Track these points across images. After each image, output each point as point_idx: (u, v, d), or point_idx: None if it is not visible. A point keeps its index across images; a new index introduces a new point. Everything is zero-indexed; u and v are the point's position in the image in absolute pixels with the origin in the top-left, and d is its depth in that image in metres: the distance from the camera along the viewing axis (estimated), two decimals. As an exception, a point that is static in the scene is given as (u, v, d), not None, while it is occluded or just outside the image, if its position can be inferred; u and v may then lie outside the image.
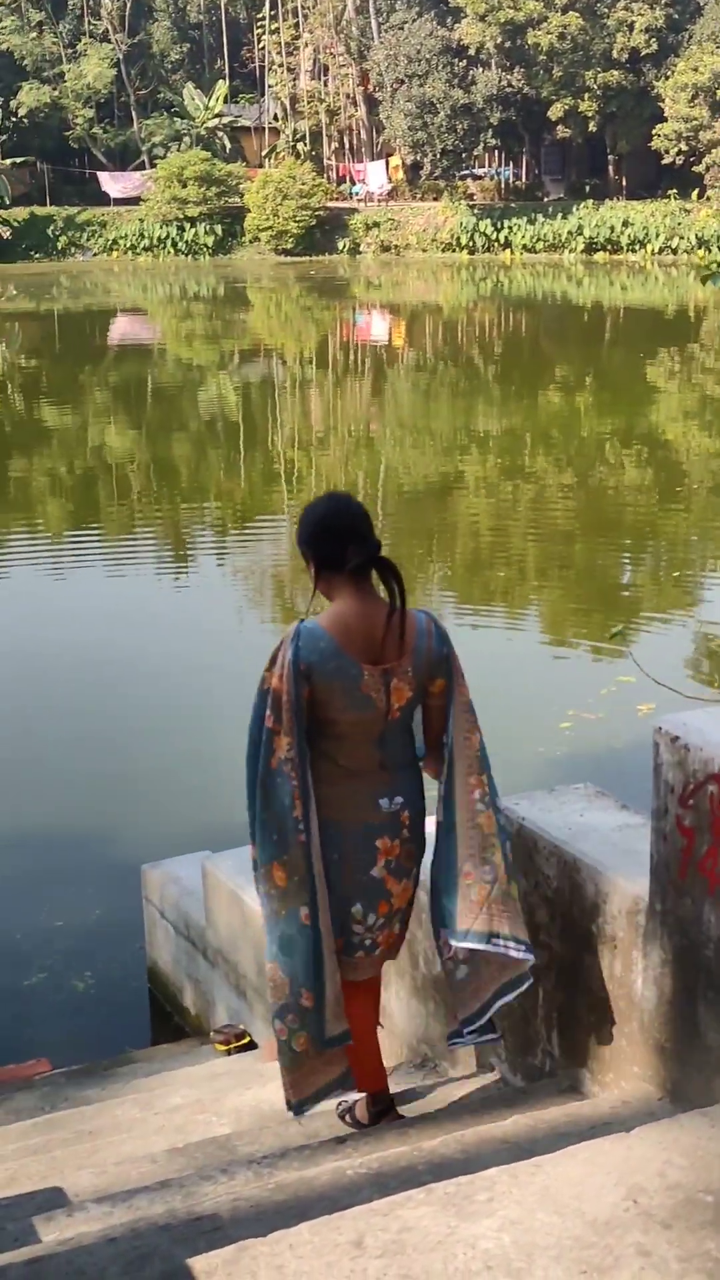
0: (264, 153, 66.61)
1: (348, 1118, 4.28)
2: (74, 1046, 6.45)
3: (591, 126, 60.62)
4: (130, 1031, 6.24)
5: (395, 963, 4.83)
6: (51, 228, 63.06)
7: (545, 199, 64.20)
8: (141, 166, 66.02)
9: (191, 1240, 3.23)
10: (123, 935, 7.25)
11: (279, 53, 66.98)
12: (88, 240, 63.01)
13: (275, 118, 68.14)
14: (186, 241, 61.51)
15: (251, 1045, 5.83)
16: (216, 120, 66.12)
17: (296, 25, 67.29)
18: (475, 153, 63.09)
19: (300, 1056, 3.91)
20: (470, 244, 60.28)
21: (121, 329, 44.82)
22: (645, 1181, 3.10)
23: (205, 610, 14.87)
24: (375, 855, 3.99)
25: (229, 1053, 5.81)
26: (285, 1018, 3.91)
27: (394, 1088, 4.57)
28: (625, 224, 58.94)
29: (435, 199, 62.81)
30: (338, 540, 3.94)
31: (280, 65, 67.04)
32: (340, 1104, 4.30)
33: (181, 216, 61.13)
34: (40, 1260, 3.22)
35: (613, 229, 58.81)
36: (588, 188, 63.65)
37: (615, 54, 58.69)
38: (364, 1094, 4.22)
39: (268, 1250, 2.95)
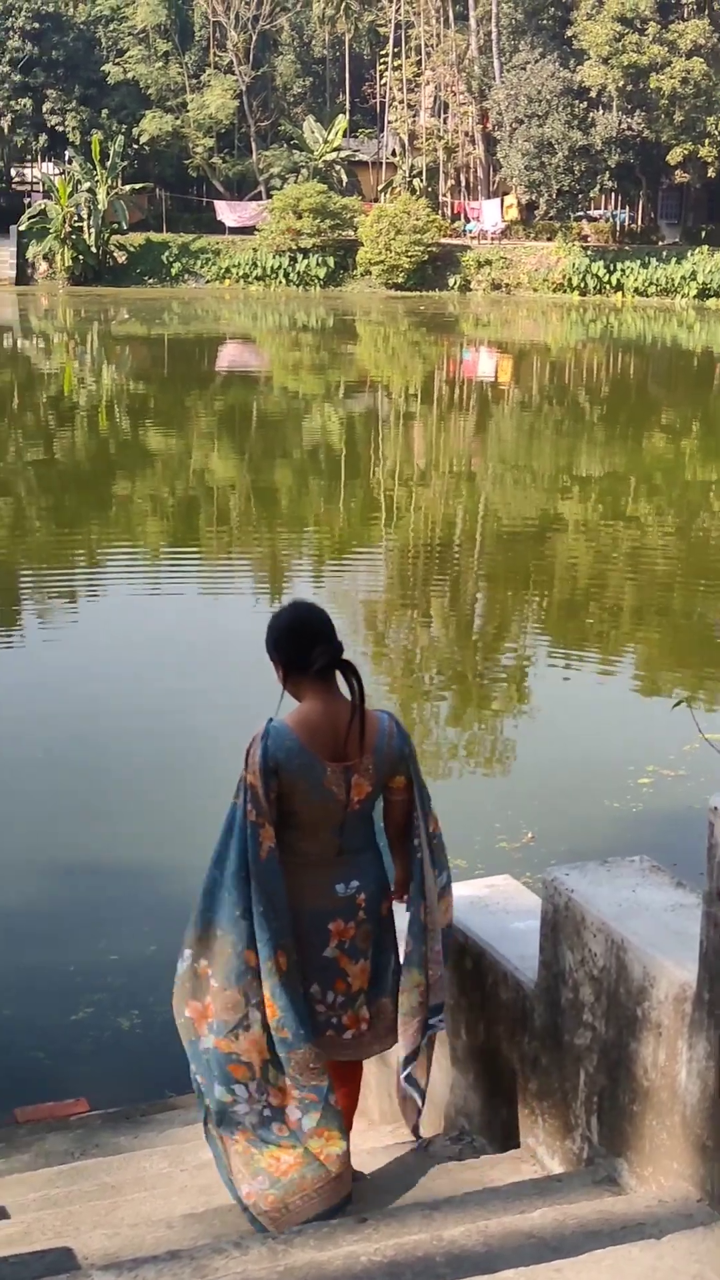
0: (380, 187, 66.91)
1: None
2: (115, 1087, 6.31)
3: (710, 172, 60.27)
4: (173, 1076, 6.08)
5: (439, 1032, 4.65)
6: (166, 254, 63.81)
7: (660, 243, 63.87)
8: (258, 197, 66.62)
9: (190, 1324, 3.07)
10: (172, 974, 7.10)
11: (400, 89, 67.34)
12: (201, 267, 63.63)
13: (393, 153, 68.50)
14: (298, 272, 61.92)
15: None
16: (334, 154, 66.54)
17: (419, 63, 67.61)
18: (591, 194, 63.03)
19: None
20: (582, 285, 60.09)
21: (229, 356, 45.14)
22: (672, 1296, 2.89)
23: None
24: (328, 938, 4.15)
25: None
26: None
27: (429, 1162, 4.38)
28: (740, 271, 58.50)
29: (549, 239, 62.71)
30: (303, 644, 4.15)
31: (401, 101, 67.39)
32: None
33: (295, 247, 61.57)
34: (31, 1333, 3.08)
35: (727, 275, 58.40)
36: (703, 233, 63.18)
37: (738, 100, 58.38)
38: None
39: (262, 1346, 2.79)
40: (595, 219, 65.18)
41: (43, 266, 63.25)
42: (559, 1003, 4.00)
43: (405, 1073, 4.28)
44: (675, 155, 59.48)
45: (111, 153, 63.37)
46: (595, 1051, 3.87)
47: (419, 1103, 4.33)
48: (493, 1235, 3.40)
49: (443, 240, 61.71)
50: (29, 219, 63.17)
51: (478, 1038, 4.45)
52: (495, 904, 4.65)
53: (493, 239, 63.93)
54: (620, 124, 58.82)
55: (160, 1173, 4.75)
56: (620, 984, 3.73)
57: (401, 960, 4.27)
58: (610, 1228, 3.41)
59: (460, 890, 4.75)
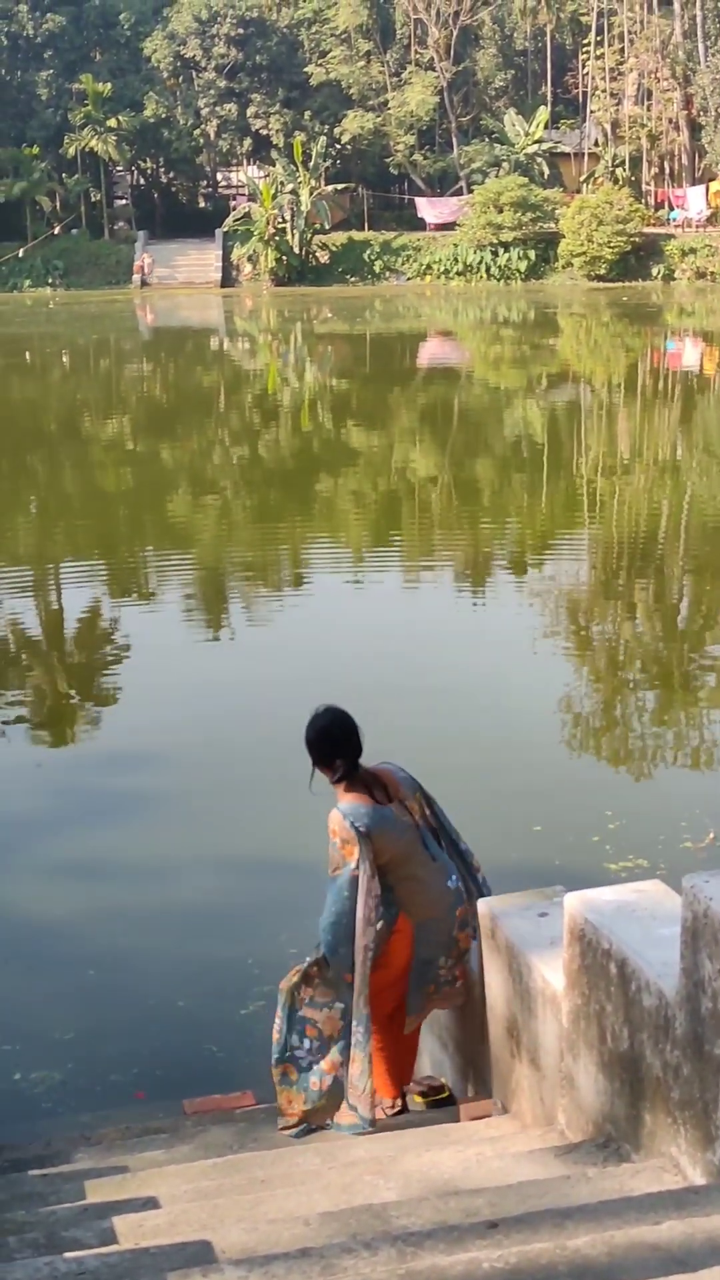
0: (582, 178, 66.20)
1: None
2: (280, 1083, 6.42)
3: None
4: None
5: (585, 1035, 4.63)
6: (368, 252, 64.19)
7: None
8: (459, 192, 66.52)
9: (307, 1325, 3.11)
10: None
11: (603, 77, 66.51)
12: (402, 264, 63.84)
13: (595, 143, 67.71)
14: (499, 266, 61.68)
15: (450, 1100, 5.68)
16: (536, 146, 66.06)
17: (622, 50, 66.72)
18: None
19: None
20: (791, 270, 58.63)
21: (431, 352, 45.23)
22: (789, 1317, 2.83)
23: (493, 636, 14.77)
24: (454, 920, 5.59)
25: (425, 1105, 5.68)
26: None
27: (572, 1168, 4.36)
28: None
29: (756, 224, 61.36)
30: (325, 755, 5.58)
31: (603, 90, 66.55)
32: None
33: (496, 241, 61.34)
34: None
35: None
36: None
37: None
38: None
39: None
40: None
41: (247, 268, 64.21)
42: (699, 1011, 3.93)
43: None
44: None
45: (314, 154, 64.02)
46: (736, 1061, 3.80)
47: None
48: (618, 1246, 3.36)
49: (646, 229, 60.81)
50: (234, 222, 64.21)
51: (622, 1044, 4.40)
52: (642, 909, 4.59)
53: (698, 226, 62.76)
54: None
55: (310, 1169, 4.81)
56: (758, 994, 3.66)
57: None
58: (739, 1243, 3.35)
59: (607, 895, 4.71)
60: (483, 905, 5.51)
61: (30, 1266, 3.74)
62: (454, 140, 68.75)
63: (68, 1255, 3.84)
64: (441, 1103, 5.69)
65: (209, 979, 7.57)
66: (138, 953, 7.91)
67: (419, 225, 65.95)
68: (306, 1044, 5.53)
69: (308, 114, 67.30)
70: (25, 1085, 6.66)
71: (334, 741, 5.53)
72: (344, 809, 5.42)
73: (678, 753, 11.61)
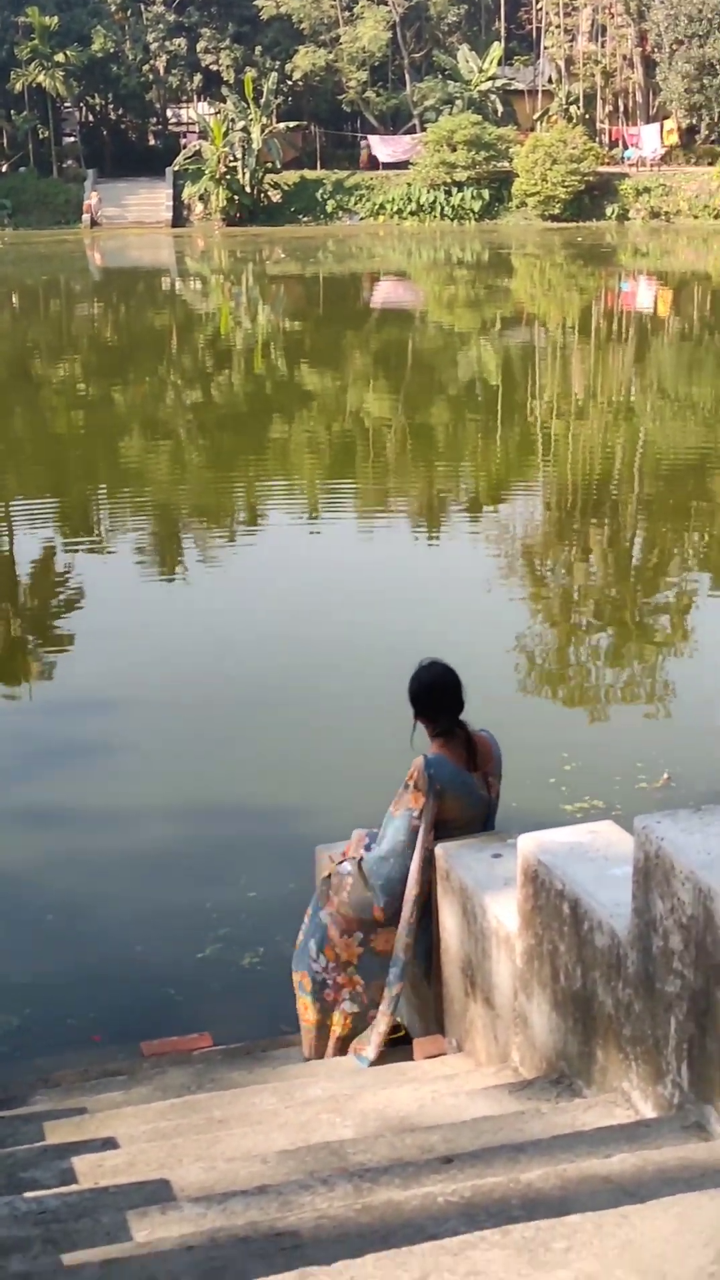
0: (536, 116, 65.77)
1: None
2: (237, 1022, 6.48)
3: None
4: (293, 1013, 6.21)
5: (538, 974, 4.69)
6: (320, 191, 63.61)
7: None
8: (412, 130, 65.94)
9: (268, 1256, 3.17)
10: (298, 914, 7.23)
11: (557, 14, 65.98)
12: (355, 204, 63.32)
13: (549, 80, 67.27)
14: (453, 206, 61.29)
15: (405, 1039, 5.75)
16: (489, 83, 65.51)
17: (576, -15, 66.16)
18: (755, 115, 61.15)
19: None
20: (745, 210, 58.49)
21: (384, 293, 44.99)
22: (736, 1245, 2.89)
23: (443, 577, 14.82)
24: None
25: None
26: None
27: (526, 1104, 4.44)
28: None
29: (710, 164, 61.05)
30: (429, 709, 5.62)
31: (558, 27, 66.06)
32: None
33: (449, 181, 60.93)
34: (115, 1263, 3.21)
35: None
36: None
37: None
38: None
39: (327, 1281, 2.86)
40: (759, 141, 63.30)
41: (198, 208, 63.54)
42: (650, 950, 3.99)
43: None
44: None
45: (265, 90, 63.26)
46: (685, 999, 3.86)
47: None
48: (570, 1179, 3.43)
49: (600, 169, 60.51)
50: (184, 160, 63.45)
51: (575, 982, 4.46)
52: (595, 850, 4.64)
53: (652, 166, 62.53)
54: (785, 41, 56.98)
55: (267, 1109, 4.87)
56: (707, 933, 3.71)
57: None
58: (689, 1174, 3.42)
59: (561, 836, 4.77)
60: (438, 849, 5.55)
61: (-9, 1207, 3.78)
62: (406, 77, 68.09)
63: (27, 1195, 3.88)
64: (397, 1042, 5.75)
65: (167, 924, 7.61)
66: (95, 898, 7.94)
67: (372, 164, 65.33)
68: (323, 961, 5.70)
69: (258, 49, 66.44)
70: (-17, 1030, 6.70)
71: (436, 696, 5.59)
72: (431, 759, 5.51)
73: (633, 695, 11.68)
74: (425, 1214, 3.30)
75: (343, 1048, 5.70)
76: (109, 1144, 4.56)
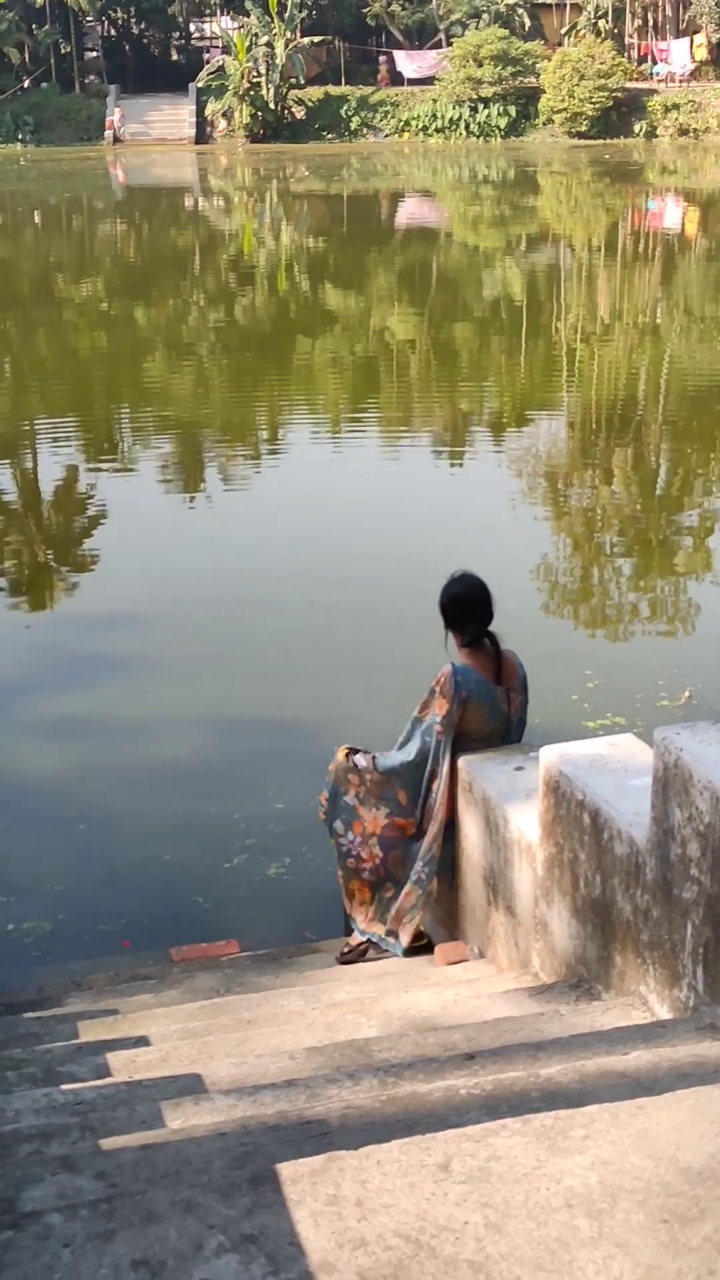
0: (563, 31, 64.64)
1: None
2: (264, 930, 6.64)
3: None
4: (321, 922, 6.37)
5: (559, 883, 4.82)
6: (345, 108, 62.77)
7: None
8: (438, 45, 64.95)
9: (296, 1143, 3.30)
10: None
11: None
12: (380, 121, 62.51)
13: (578, -8, 66.04)
14: (479, 123, 60.44)
15: (428, 947, 5.89)
16: (517, -4, 64.41)
17: None
18: (788, 29, 60.06)
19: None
20: (775, 126, 57.61)
21: (409, 211, 44.57)
22: (748, 1134, 3.02)
23: (467, 496, 14.86)
24: None
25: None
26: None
27: (546, 1006, 4.57)
28: None
29: (741, 80, 60.13)
30: (458, 619, 5.83)
31: (587, -63, 64.78)
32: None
33: (475, 97, 60.06)
34: (151, 1147, 3.35)
35: None
36: None
37: None
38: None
39: (355, 1164, 3.00)
40: (791, 56, 62.17)
41: (221, 124, 62.83)
42: (668, 857, 4.10)
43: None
44: None
45: (289, 4, 62.30)
46: (701, 905, 3.98)
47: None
48: (588, 1074, 3.56)
49: (628, 85, 59.52)
50: (207, 76, 62.63)
51: (594, 890, 4.58)
52: (615, 762, 4.75)
53: (681, 81, 61.52)
54: None
55: (294, 1010, 5.02)
56: (724, 840, 3.82)
57: None
58: (703, 1071, 3.55)
59: (581, 748, 4.88)
60: (461, 761, 5.67)
61: (29, 1098, 3.94)
62: (433, -10, 66.97)
63: (64, 1087, 4.04)
64: (419, 950, 5.90)
65: (195, 834, 7.76)
66: (126, 809, 8.10)
67: (397, 79, 64.42)
68: (351, 836, 5.96)
69: (283, -39, 65.39)
70: (17, 935, 6.87)
71: (465, 607, 5.81)
72: (458, 667, 5.73)
73: (657, 615, 11.76)
74: (448, 1105, 3.43)
75: (364, 914, 6.00)
76: (141, 1041, 4.72)
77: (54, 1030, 5.13)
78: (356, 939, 6.04)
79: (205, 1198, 2.91)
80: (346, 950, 6.05)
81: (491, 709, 5.76)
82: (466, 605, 5.80)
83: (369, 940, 6.00)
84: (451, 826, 5.74)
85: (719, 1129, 3.07)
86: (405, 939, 5.82)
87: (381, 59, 65.75)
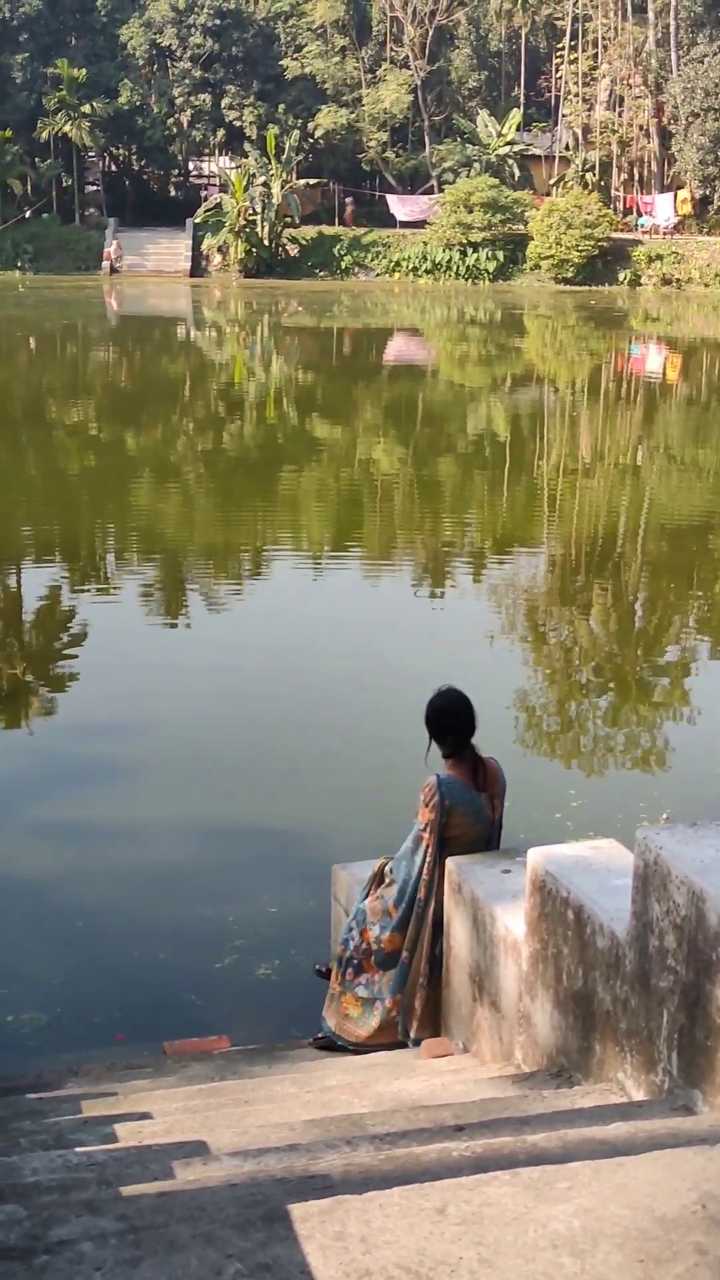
0: (552, 181, 66.75)
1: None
2: (253, 1026, 6.88)
3: None
4: (309, 1021, 6.61)
5: (543, 976, 5.11)
6: (337, 247, 64.50)
7: None
8: (430, 191, 66.96)
9: (302, 1194, 3.57)
10: (315, 929, 7.64)
11: (576, 82, 67.09)
12: (371, 261, 64.20)
13: (566, 146, 68.29)
14: (468, 266, 62.16)
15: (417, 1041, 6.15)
16: (507, 148, 66.58)
17: (595, 56, 67.35)
18: (767, 189, 62.11)
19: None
20: (755, 280, 59.34)
21: (397, 348, 45.65)
22: (718, 1190, 3.31)
23: (451, 626, 15.28)
24: None
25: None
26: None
27: (529, 1091, 4.84)
28: None
29: (723, 233, 62.05)
30: (438, 731, 6.13)
31: (576, 95, 67.16)
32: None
33: (465, 241, 61.82)
34: (168, 1194, 3.61)
35: None
36: None
37: None
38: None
39: (359, 1206, 3.28)
40: (771, 213, 64.25)
41: (216, 259, 64.42)
42: (647, 949, 4.42)
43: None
44: None
45: (286, 147, 64.26)
46: (677, 993, 4.28)
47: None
48: (571, 1141, 3.84)
49: (614, 235, 61.40)
50: (205, 212, 64.38)
51: (576, 982, 4.88)
52: (599, 863, 5.08)
53: (665, 234, 63.46)
54: None
55: (288, 1093, 5.27)
56: (699, 931, 4.14)
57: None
58: (677, 1141, 3.83)
59: (567, 851, 5.21)
60: (450, 863, 5.99)
61: (45, 1158, 4.19)
62: (426, 139, 69.17)
63: (78, 1150, 4.29)
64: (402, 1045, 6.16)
65: (189, 935, 8.02)
66: (124, 908, 8.37)
67: (389, 222, 66.26)
68: (355, 941, 6.26)
69: (281, 107, 67.49)
70: (14, 1026, 7.10)
71: (446, 720, 6.14)
72: (442, 777, 6.08)
73: (636, 744, 12.14)
74: (442, 1164, 3.71)
75: (349, 1030, 6.26)
76: (144, 1116, 4.96)
77: (58, 1108, 5.36)
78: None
79: (224, 1231, 3.18)
80: (320, 1036, 6.41)
81: (475, 815, 6.08)
82: (448, 716, 6.14)
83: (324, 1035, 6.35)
84: (436, 928, 6.05)
85: (690, 1184, 3.36)
86: (415, 1031, 6.12)
87: (348, 200, 67.58)
